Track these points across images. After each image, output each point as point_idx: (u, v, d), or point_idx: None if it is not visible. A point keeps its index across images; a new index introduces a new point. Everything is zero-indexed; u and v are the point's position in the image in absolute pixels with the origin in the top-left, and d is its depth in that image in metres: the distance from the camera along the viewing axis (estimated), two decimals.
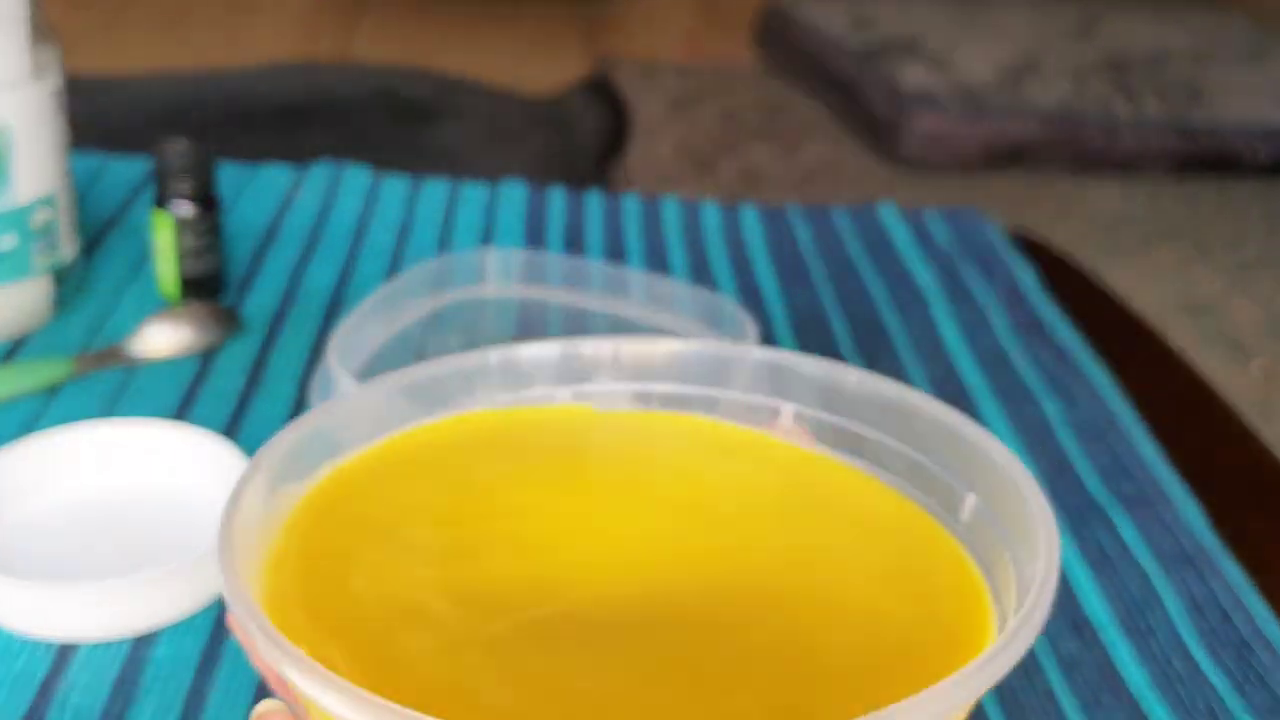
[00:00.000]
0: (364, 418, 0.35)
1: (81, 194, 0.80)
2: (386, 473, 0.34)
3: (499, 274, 0.62)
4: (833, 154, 2.39)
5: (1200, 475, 0.62)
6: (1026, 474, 0.31)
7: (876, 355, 0.70)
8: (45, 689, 0.44)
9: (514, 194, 0.85)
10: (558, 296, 0.62)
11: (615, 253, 0.78)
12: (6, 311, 0.64)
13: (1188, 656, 0.50)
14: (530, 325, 0.63)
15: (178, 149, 0.66)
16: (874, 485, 0.36)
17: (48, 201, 0.63)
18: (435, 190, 0.85)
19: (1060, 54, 2.54)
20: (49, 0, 0.63)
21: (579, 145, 1.22)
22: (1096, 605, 0.53)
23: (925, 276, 0.79)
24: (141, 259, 0.73)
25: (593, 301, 0.62)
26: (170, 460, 0.54)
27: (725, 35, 3.02)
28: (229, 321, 0.66)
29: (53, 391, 0.61)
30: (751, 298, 0.74)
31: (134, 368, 0.63)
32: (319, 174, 0.86)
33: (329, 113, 1.20)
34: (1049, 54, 2.53)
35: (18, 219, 0.62)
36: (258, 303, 0.70)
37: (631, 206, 0.86)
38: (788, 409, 0.37)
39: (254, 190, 0.83)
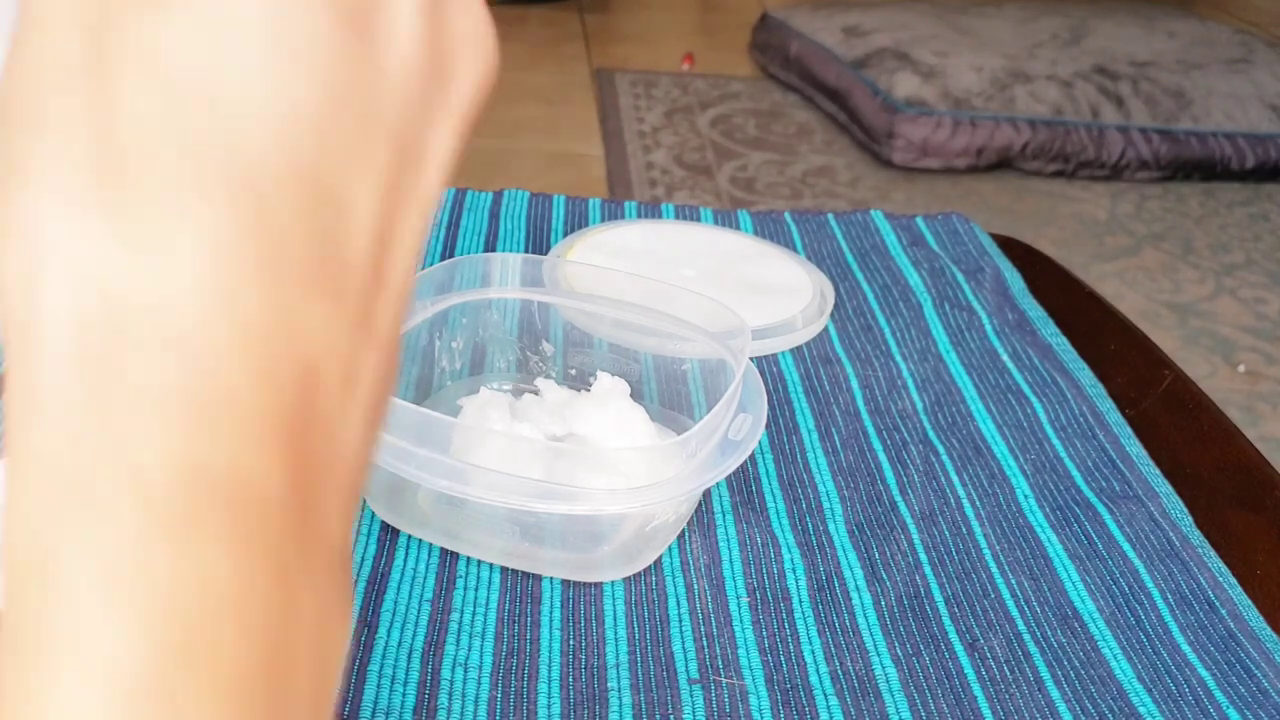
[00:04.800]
0: None
1: None
2: None
3: (502, 278, 0.63)
4: (827, 161, 2.40)
5: (1186, 473, 0.64)
6: None
7: (868, 357, 0.71)
8: None
9: (517, 200, 0.86)
10: (559, 300, 0.63)
11: None
12: None
13: (1175, 648, 0.52)
14: (532, 328, 0.64)
15: None
16: None
17: None
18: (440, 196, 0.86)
19: (1049, 62, 2.56)
20: None
21: None
22: (1084, 598, 0.54)
23: (915, 280, 0.80)
24: None
25: (593, 305, 0.63)
26: None
27: (721, 45, 3.03)
28: None
29: None
30: None
31: None
32: None
33: None
34: (1037, 62, 2.55)
35: None
36: None
37: (631, 212, 0.87)
38: None
39: None
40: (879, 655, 0.50)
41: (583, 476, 0.51)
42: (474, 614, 0.51)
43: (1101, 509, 0.59)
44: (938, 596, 0.53)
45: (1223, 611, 0.54)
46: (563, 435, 0.57)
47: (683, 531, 0.56)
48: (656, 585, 0.53)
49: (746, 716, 0.47)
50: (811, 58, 2.64)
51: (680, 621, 0.51)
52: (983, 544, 0.57)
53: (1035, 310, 0.78)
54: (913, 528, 0.57)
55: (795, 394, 0.67)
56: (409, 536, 0.54)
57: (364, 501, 0.56)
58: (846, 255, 0.83)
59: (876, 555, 0.56)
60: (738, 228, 0.86)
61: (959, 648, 0.51)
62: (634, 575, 0.53)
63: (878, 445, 0.63)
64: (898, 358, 0.71)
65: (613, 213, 0.86)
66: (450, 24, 0.21)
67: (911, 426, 0.65)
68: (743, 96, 2.69)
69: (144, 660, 0.16)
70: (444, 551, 0.54)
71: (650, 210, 0.88)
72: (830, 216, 0.89)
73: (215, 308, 0.17)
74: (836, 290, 0.78)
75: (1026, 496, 0.60)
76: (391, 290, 0.21)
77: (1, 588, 0.17)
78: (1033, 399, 0.68)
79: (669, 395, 0.63)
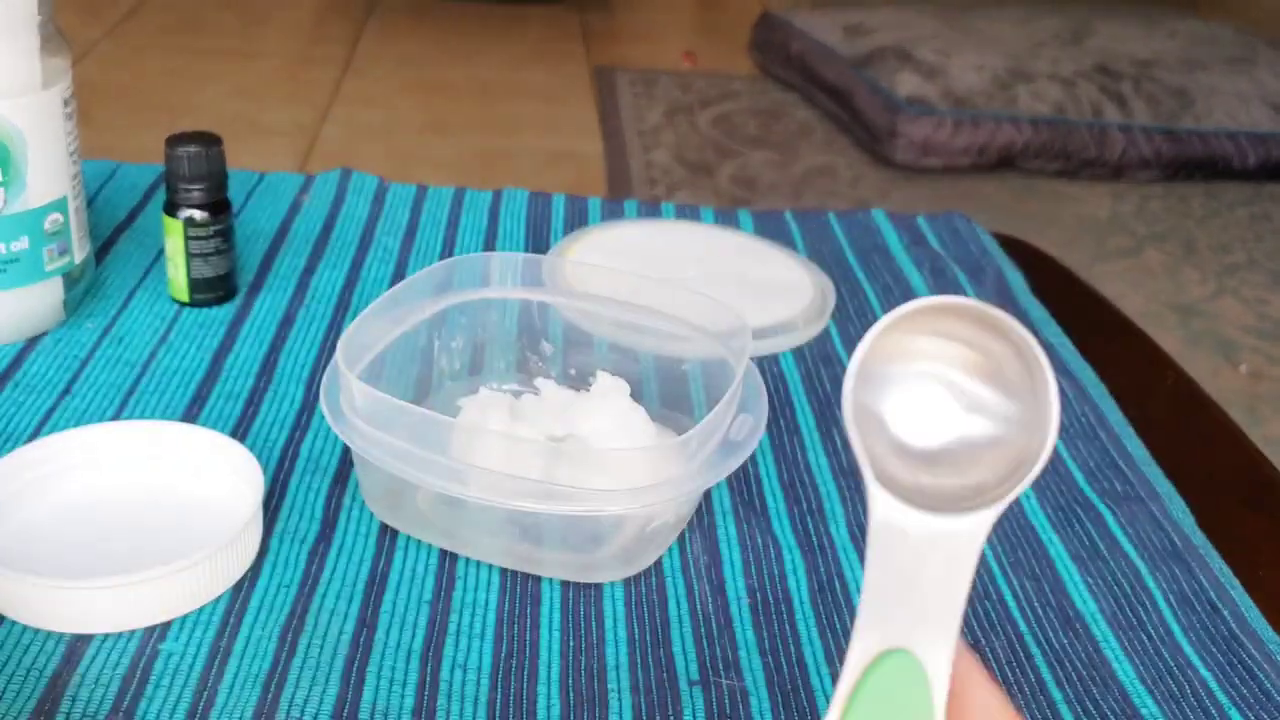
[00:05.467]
0: None
1: (93, 198, 0.81)
2: None
3: (501, 277, 0.63)
4: (828, 160, 2.40)
5: (1188, 473, 0.63)
6: None
7: None
8: (56, 682, 0.45)
9: (516, 199, 0.86)
10: (558, 300, 0.63)
11: None
12: (19, 313, 0.65)
13: (1177, 650, 0.51)
14: (531, 328, 0.64)
15: (189, 154, 0.66)
16: None
17: (59, 205, 0.64)
18: (440, 195, 0.86)
19: (1050, 61, 2.55)
20: (60, 8, 0.64)
21: None
22: (1086, 599, 0.54)
23: (917, 280, 0.80)
24: (153, 262, 0.74)
25: (593, 305, 0.63)
26: (180, 460, 0.55)
27: (722, 44, 3.03)
28: None
29: (65, 392, 0.62)
30: None
31: (144, 369, 0.64)
32: (328, 179, 0.87)
33: None
34: (1040, 61, 2.55)
35: (30, 222, 0.63)
36: (267, 305, 0.71)
37: (631, 211, 0.87)
38: None
39: (264, 194, 0.84)
40: None
41: (583, 477, 0.50)
42: (473, 615, 0.50)
43: (1104, 510, 0.59)
44: None
45: (1225, 613, 0.54)
46: (563, 436, 0.56)
47: (683, 532, 0.56)
48: (657, 586, 0.53)
49: (747, 718, 0.47)
50: (812, 56, 2.64)
51: (680, 623, 0.51)
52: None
53: (1037, 310, 0.78)
54: None
55: (796, 394, 0.67)
56: (408, 538, 0.54)
57: (362, 502, 0.56)
58: (848, 255, 0.83)
59: None
60: (738, 227, 0.86)
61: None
62: (634, 576, 0.53)
63: None
64: None
65: (612, 212, 0.86)
66: None
67: None
68: (743, 95, 2.69)
69: None
70: (443, 553, 0.54)
71: (650, 209, 0.88)
72: (831, 216, 0.89)
73: None
74: (837, 290, 0.78)
75: (1028, 497, 0.60)
76: None
77: None
78: None
79: (669, 395, 0.62)
